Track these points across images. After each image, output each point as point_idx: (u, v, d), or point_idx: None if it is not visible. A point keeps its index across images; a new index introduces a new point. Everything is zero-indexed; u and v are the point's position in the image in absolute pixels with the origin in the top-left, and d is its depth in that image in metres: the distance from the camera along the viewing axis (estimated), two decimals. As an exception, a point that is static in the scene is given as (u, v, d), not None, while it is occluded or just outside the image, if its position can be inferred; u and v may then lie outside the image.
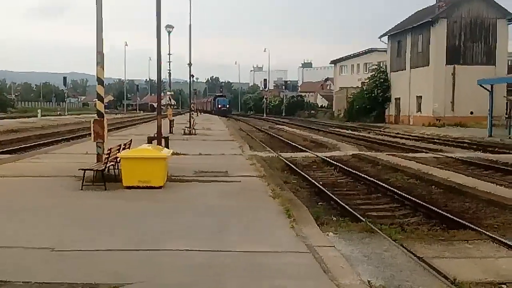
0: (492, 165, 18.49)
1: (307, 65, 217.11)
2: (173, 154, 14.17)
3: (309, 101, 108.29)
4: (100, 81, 12.96)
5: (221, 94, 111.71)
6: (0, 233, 7.45)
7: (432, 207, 11.07)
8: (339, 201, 11.77)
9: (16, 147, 23.95)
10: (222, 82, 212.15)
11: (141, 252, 6.60)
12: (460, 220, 9.93)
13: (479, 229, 9.26)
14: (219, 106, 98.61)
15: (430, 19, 47.67)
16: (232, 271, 5.93)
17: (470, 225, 9.51)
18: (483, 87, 34.14)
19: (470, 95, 43.02)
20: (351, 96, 65.00)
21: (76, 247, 6.78)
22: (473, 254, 7.98)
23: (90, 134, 13.77)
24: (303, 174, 16.25)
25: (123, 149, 12.93)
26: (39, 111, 69.31)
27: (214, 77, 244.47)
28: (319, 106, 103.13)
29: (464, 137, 32.35)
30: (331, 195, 12.56)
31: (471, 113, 45.09)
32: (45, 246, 6.77)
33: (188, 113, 39.13)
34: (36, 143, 26.71)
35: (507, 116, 40.24)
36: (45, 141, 28.01)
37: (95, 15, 12.70)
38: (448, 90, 47.24)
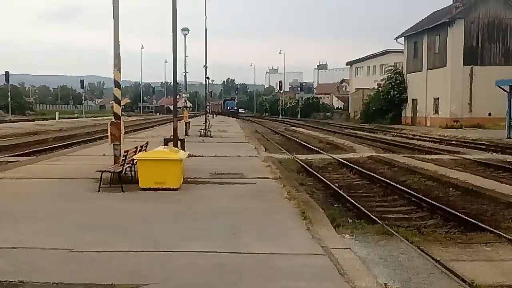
0: (510, 167, 18.26)
1: (322, 66, 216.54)
2: (189, 156, 14.24)
3: (324, 102, 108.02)
4: (117, 83, 13.06)
5: (230, 97, 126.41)
6: (18, 234, 7.54)
7: (449, 210, 10.96)
8: (355, 203, 11.72)
9: (34, 149, 24.23)
10: (237, 84, 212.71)
11: (157, 253, 6.64)
12: (478, 223, 9.82)
13: (497, 231, 9.16)
14: (228, 108, 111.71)
15: (447, 20, 47.26)
16: (247, 272, 5.93)
17: (488, 228, 9.40)
18: (501, 88, 33.75)
19: (488, 96, 42.56)
20: (367, 98, 64.70)
21: (93, 248, 6.85)
22: (491, 257, 7.89)
23: (107, 136, 13.88)
24: (319, 176, 16.21)
25: (140, 151, 13.02)
26: (57, 113, 70.15)
27: (230, 79, 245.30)
28: (335, 107, 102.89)
29: (482, 138, 31.98)
30: (347, 197, 12.51)
31: (489, 114, 44.62)
32: (63, 247, 6.84)
33: (204, 115, 39.26)
34: (54, 146, 27.01)
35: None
36: (63, 144, 28.30)
37: (112, 18, 12.83)
38: (465, 91, 46.78)
